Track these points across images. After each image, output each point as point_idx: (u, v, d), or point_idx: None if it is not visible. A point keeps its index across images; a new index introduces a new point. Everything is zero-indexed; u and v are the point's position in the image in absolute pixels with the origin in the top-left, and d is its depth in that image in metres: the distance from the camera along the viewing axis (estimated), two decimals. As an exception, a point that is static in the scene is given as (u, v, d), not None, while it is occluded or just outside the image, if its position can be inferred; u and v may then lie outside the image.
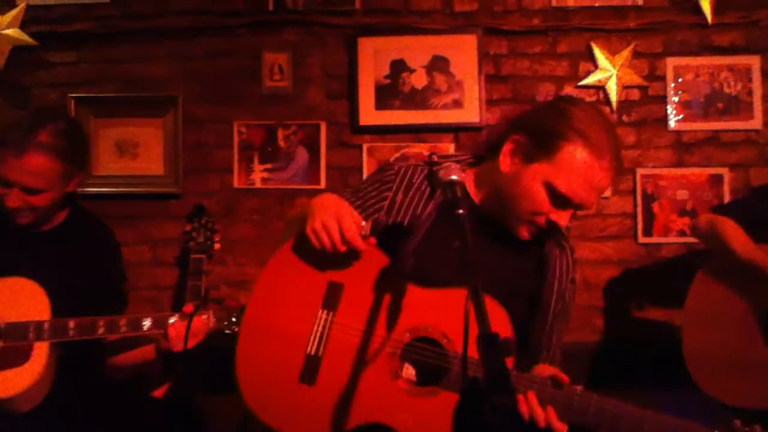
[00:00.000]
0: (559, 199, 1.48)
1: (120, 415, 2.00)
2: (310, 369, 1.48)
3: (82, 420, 1.91)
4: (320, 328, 1.50)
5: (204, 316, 1.89)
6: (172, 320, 1.87)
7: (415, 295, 1.51)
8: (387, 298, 1.50)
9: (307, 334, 1.50)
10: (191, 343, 1.85)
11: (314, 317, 1.51)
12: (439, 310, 1.50)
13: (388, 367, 1.47)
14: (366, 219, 1.65)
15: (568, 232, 1.72)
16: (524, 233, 1.56)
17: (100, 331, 1.85)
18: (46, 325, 1.83)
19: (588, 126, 1.47)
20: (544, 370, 1.52)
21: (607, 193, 2.93)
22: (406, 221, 1.62)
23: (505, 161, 1.55)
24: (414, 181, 1.65)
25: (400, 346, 1.48)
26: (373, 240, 1.50)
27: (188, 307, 1.89)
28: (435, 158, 1.70)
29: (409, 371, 1.51)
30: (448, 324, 1.48)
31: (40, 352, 1.82)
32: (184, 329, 1.83)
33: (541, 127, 1.52)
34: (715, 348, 2.30)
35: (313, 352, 1.49)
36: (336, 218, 1.44)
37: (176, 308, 2.91)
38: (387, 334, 1.49)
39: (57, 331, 1.84)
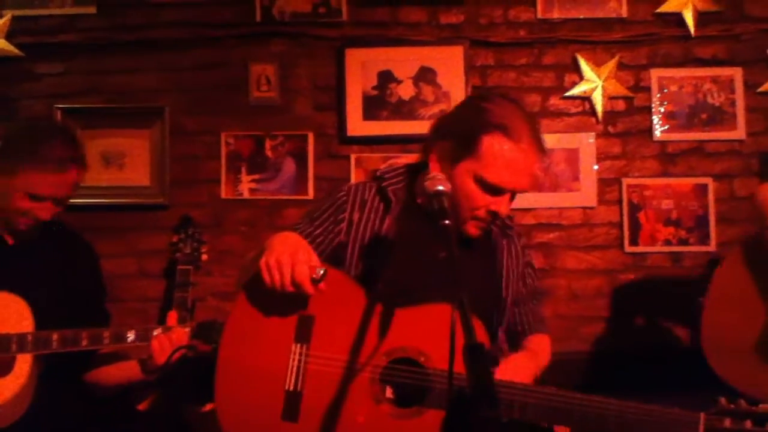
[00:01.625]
0: (491, 189, 1.58)
1: (103, 430, 1.97)
2: (291, 405, 1.45)
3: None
4: (296, 363, 1.48)
5: (186, 328, 1.87)
6: (155, 333, 1.85)
7: (386, 316, 1.50)
8: (359, 324, 1.49)
9: (284, 369, 1.48)
10: (173, 356, 1.83)
11: (288, 352, 1.49)
12: (413, 329, 1.49)
13: (370, 392, 1.45)
14: (329, 245, 1.66)
15: (512, 221, 1.85)
16: (472, 230, 1.65)
17: (84, 343, 1.83)
18: (29, 337, 1.82)
19: (502, 116, 1.57)
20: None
21: (593, 203, 2.95)
22: (366, 237, 1.66)
23: (435, 167, 1.63)
24: (366, 197, 1.71)
25: (378, 370, 1.47)
26: (323, 285, 1.46)
27: (171, 319, 1.88)
28: (378, 173, 1.78)
29: (389, 394, 1.50)
30: (423, 341, 1.47)
31: (23, 364, 1.80)
32: (166, 342, 1.82)
33: (459, 129, 1.62)
34: (737, 333, 2.18)
35: (291, 388, 1.47)
36: (290, 259, 1.42)
37: (162, 321, 2.91)
38: (363, 360, 1.47)
39: (40, 343, 1.82)
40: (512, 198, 1.63)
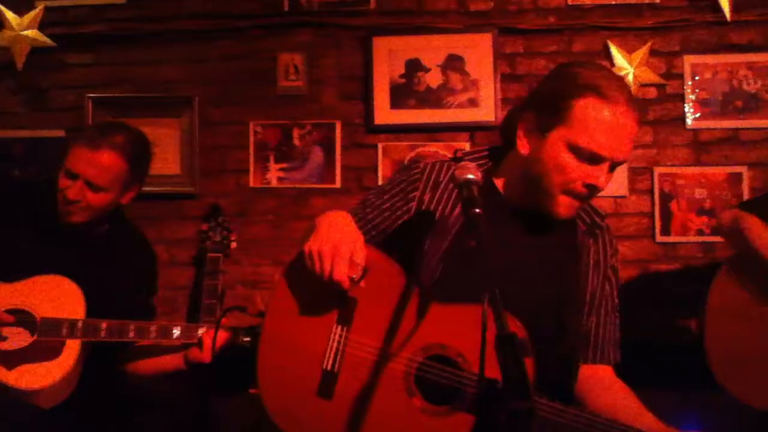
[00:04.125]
0: (588, 157, 1.42)
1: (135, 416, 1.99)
2: (327, 384, 1.46)
3: (102, 421, 1.91)
4: (335, 344, 1.48)
5: (229, 332, 1.88)
6: (201, 331, 1.87)
7: (431, 310, 1.46)
8: (401, 314, 1.47)
9: (323, 349, 1.48)
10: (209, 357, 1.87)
11: (329, 332, 1.49)
12: (457, 328, 1.45)
13: (403, 385, 1.44)
14: (390, 224, 1.59)
15: (603, 219, 1.65)
16: (563, 209, 1.47)
17: (131, 335, 1.87)
18: (79, 324, 1.86)
19: (594, 78, 1.42)
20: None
21: (624, 192, 2.91)
22: (434, 221, 1.56)
23: (523, 143, 1.50)
24: (441, 179, 1.59)
25: (414, 364, 1.45)
26: (362, 283, 1.44)
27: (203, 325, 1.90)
28: (460, 154, 1.65)
29: (420, 390, 1.47)
30: (465, 343, 1.44)
31: (71, 349, 1.85)
32: (219, 339, 1.83)
33: (548, 96, 1.48)
34: (739, 346, 2.25)
35: (329, 368, 1.47)
36: (331, 253, 1.38)
37: (192, 308, 2.95)
38: (401, 351, 1.45)
39: (89, 331, 1.86)
40: (612, 169, 1.45)
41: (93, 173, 1.94)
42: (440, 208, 1.56)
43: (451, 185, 1.55)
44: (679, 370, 2.53)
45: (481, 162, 1.61)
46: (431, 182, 1.59)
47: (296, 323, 1.51)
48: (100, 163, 1.94)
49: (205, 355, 1.86)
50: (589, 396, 1.57)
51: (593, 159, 1.42)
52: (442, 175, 1.59)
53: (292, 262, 1.54)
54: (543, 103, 1.48)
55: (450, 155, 1.73)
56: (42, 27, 3.01)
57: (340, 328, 1.49)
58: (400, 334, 1.46)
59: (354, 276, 1.41)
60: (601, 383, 1.58)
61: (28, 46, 3.00)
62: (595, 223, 1.62)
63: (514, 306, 1.26)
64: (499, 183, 1.60)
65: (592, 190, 1.45)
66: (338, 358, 1.47)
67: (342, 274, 1.38)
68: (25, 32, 2.99)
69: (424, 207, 1.57)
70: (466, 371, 1.43)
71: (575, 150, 1.42)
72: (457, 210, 1.53)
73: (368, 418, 1.43)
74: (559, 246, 1.58)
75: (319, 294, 1.49)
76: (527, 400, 0.99)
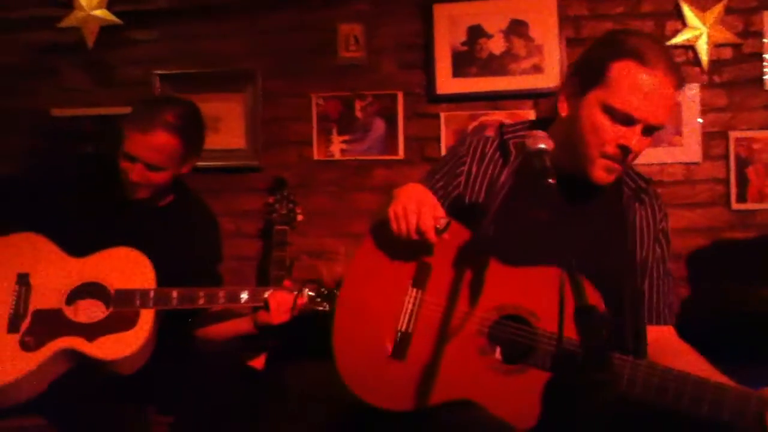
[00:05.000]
0: (621, 118, 1.46)
1: (217, 383, 2.05)
2: (402, 344, 1.50)
3: (180, 386, 1.98)
4: (411, 306, 1.53)
5: (304, 297, 1.94)
6: (267, 294, 1.92)
7: (501, 272, 1.50)
8: (473, 277, 1.51)
9: (399, 311, 1.53)
10: (286, 317, 1.92)
11: (405, 295, 1.53)
12: (527, 288, 1.49)
13: (475, 344, 1.48)
14: (447, 197, 1.66)
15: (649, 184, 1.67)
16: (600, 173, 1.52)
17: (201, 301, 1.94)
18: (151, 294, 1.93)
19: (636, 43, 1.45)
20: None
21: (697, 158, 2.81)
22: (482, 191, 1.63)
23: (563, 106, 1.56)
24: (486, 151, 1.68)
25: (487, 324, 1.48)
26: (446, 235, 1.47)
27: (287, 283, 1.94)
28: (503, 126, 1.72)
29: (494, 348, 1.50)
30: (536, 302, 1.47)
31: (146, 318, 1.91)
32: (284, 301, 1.88)
33: (590, 60, 1.53)
34: None
35: (404, 329, 1.51)
36: (417, 207, 1.44)
37: (261, 280, 3.02)
38: (474, 312, 1.49)
39: (161, 300, 1.93)
40: (648, 133, 1.49)
41: (150, 155, 1.99)
42: (488, 177, 1.65)
43: (497, 156, 1.66)
44: (758, 342, 2.45)
45: (523, 133, 1.65)
46: (477, 156, 1.67)
47: (372, 289, 1.55)
48: (155, 145, 1.98)
49: (273, 317, 1.92)
50: (660, 359, 1.53)
51: (627, 120, 1.46)
52: (487, 148, 1.68)
53: (371, 229, 1.59)
54: (585, 66, 1.54)
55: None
56: (109, 5, 3.08)
57: (415, 291, 1.54)
58: (473, 294, 1.50)
59: (438, 226, 1.45)
60: (670, 346, 1.60)
61: (97, 25, 3.08)
62: (640, 187, 1.65)
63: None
64: None
65: (625, 151, 1.48)
66: (413, 319, 1.52)
67: (428, 223, 1.43)
68: (94, 12, 3.07)
69: (471, 179, 1.65)
70: (540, 328, 1.45)
71: (610, 111, 1.46)
72: (504, 175, 1.62)
73: (441, 377, 1.46)
74: (605, 212, 1.62)
75: (396, 259, 1.56)
76: (607, 372, 1.00)
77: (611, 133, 1.47)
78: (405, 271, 1.55)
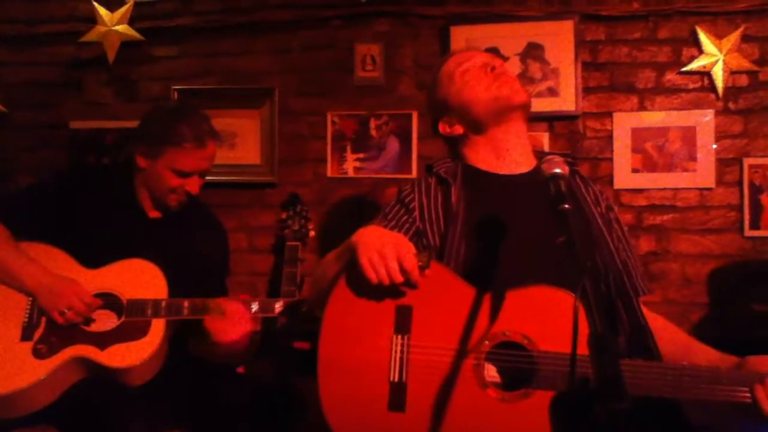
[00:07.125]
0: None
1: (219, 394, 2.06)
2: (397, 396, 1.45)
3: (188, 397, 2.00)
4: (398, 354, 1.47)
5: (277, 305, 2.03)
6: (277, 305, 1.95)
7: (485, 300, 1.47)
8: (458, 310, 1.47)
9: (386, 362, 1.47)
10: (249, 328, 1.98)
11: (389, 344, 1.48)
12: (513, 312, 1.45)
13: (475, 378, 1.44)
14: (406, 235, 1.62)
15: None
16: None
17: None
18: (163, 303, 1.96)
19: None
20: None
21: (711, 184, 2.81)
22: (441, 217, 1.65)
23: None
24: (429, 183, 1.72)
25: (482, 355, 1.45)
26: (428, 271, 1.45)
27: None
28: (433, 166, 1.79)
29: (492, 374, 1.48)
30: (525, 325, 1.44)
31: (157, 328, 1.94)
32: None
33: None
34: None
35: (396, 379, 1.46)
36: (393, 249, 1.41)
37: (272, 295, 3.03)
38: (466, 345, 1.45)
39: (172, 310, 1.96)
40: None
41: (206, 165, 2.14)
42: (440, 203, 1.68)
43: (439, 186, 1.71)
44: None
45: (446, 161, 1.79)
46: (423, 189, 1.71)
47: (353, 343, 1.50)
48: (210, 155, 2.14)
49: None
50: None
51: None
52: (429, 181, 1.74)
53: (336, 286, 1.53)
54: None
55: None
56: (131, 21, 3.14)
57: (399, 337, 1.48)
58: (461, 329, 1.46)
59: (421, 264, 1.42)
60: (654, 323, 1.67)
61: (118, 40, 3.14)
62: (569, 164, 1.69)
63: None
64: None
65: None
66: (404, 367, 1.47)
67: (412, 263, 1.41)
68: (116, 27, 3.13)
69: (425, 209, 1.68)
70: (536, 350, 1.43)
71: None
72: (454, 195, 1.65)
73: (447, 420, 1.42)
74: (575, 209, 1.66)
75: (371, 309, 1.50)
76: (623, 401, 0.99)
77: None
78: (384, 319, 1.49)
